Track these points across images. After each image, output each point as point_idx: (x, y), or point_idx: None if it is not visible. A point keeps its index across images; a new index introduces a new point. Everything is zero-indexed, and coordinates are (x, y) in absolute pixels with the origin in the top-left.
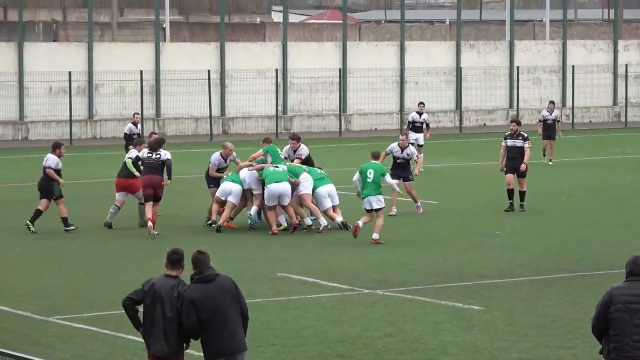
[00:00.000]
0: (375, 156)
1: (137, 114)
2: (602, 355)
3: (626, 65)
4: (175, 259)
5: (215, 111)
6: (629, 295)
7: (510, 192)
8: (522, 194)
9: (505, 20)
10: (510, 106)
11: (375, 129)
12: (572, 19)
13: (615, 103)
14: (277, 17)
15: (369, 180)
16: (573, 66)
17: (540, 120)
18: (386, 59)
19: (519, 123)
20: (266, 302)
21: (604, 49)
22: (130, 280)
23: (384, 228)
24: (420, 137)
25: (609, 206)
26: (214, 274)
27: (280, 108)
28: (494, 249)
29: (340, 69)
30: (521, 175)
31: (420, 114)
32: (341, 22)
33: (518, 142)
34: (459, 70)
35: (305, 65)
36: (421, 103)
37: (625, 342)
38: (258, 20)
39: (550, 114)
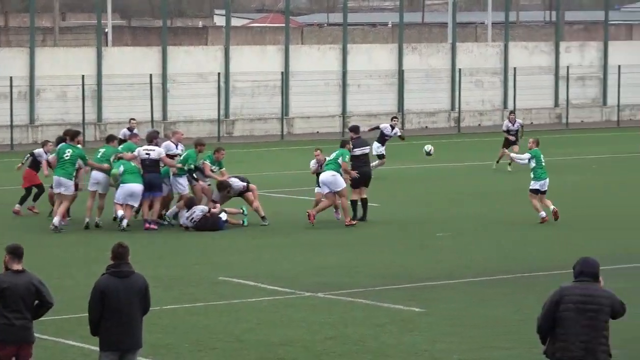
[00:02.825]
0: (537, 143)
1: (134, 119)
2: (545, 355)
3: (567, 67)
4: (21, 252)
5: (157, 115)
6: (580, 296)
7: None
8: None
9: (447, 23)
10: (452, 108)
11: (317, 132)
12: (514, 21)
13: (556, 104)
14: (219, 20)
15: (543, 164)
16: (515, 68)
17: (504, 131)
18: (329, 62)
19: (352, 129)
20: (207, 306)
21: (545, 51)
22: (72, 286)
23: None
24: (383, 148)
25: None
26: (129, 271)
27: (222, 112)
28: (438, 251)
29: (282, 73)
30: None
31: (392, 127)
32: (284, 25)
33: None
34: (401, 72)
35: (248, 68)
36: (395, 117)
37: (571, 341)
38: (200, 24)
39: (513, 125)
